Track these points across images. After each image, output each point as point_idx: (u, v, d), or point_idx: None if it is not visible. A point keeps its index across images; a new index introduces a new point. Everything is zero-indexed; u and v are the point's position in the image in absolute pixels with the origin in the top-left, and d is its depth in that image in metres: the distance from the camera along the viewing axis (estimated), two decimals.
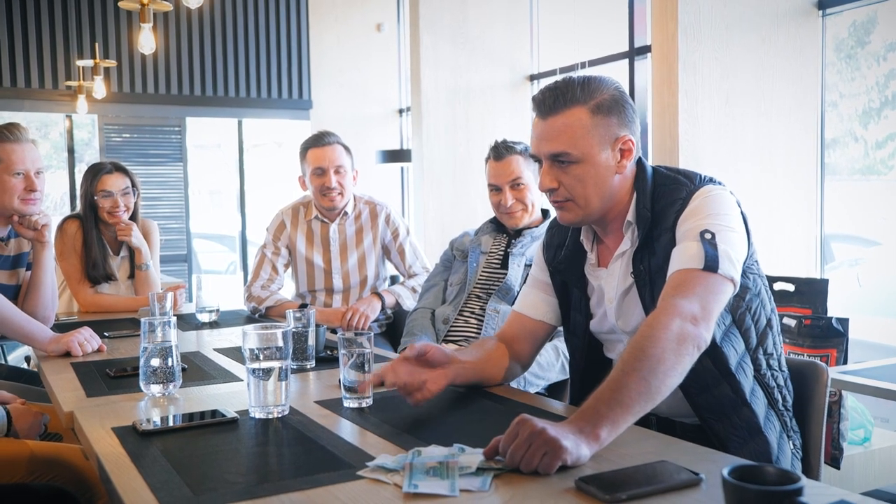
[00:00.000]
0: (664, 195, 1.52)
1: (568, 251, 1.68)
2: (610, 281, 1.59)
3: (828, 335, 2.63)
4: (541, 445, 1.12)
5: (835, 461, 2.57)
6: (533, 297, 1.76)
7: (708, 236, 1.40)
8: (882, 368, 2.43)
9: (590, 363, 1.68)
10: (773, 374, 1.54)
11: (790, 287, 2.88)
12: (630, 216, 1.54)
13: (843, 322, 2.66)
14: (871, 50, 4.08)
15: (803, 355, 2.65)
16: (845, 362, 2.63)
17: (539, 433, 1.13)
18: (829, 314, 2.77)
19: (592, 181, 1.50)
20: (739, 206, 1.52)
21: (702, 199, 1.47)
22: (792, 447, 1.55)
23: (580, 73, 1.55)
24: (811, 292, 2.81)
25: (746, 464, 0.89)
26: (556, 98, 1.49)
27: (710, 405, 1.48)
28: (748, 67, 3.73)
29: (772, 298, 1.57)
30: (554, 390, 2.36)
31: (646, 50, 4.38)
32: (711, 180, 1.53)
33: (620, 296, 1.57)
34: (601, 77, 1.53)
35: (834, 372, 2.34)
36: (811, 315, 2.75)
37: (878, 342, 3.64)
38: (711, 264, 1.37)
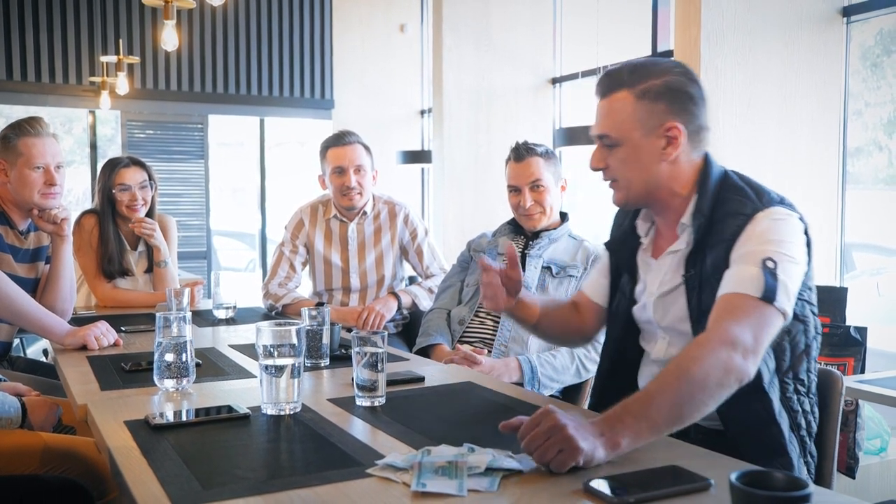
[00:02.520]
0: (727, 203, 1.48)
1: (622, 233, 1.69)
2: (656, 275, 1.59)
3: (845, 344, 2.60)
4: (558, 441, 1.12)
5: (850, 471, 2.54)
6: (594, 279, 1.80)
7: (770, 265, 1.36)
8: None
9: (622, 351, 1.67)
10: (799, 399, 1.51)
11: None
12: (686, 218, 1.52)
13: (861, 331, 2.63)
14: None
15: (820, 364, 2.62)
16: (863, 371, 2.61)
17: (560, 429, 1.13)
18: (847, 323, 2.74)
19: (634, 165, 1.50)
20: (807, 231, 1.47)
21: (768, 222, 1.43)
22: (807, 472, 1.53)
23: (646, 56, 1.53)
24: (830, 301, 2.79)
25: (754, 469, 0.88)
26: (609, 81, 1.51)
27: (739, 419, 1.46)
28: (770, 74, 3.70)
29: (818, 326, 1.52)
30: (568, 393, 2.35)
31: (669, 55, 4.36)
32: (782, 201, 1.49)
33: (664, 292, 1.56)
34: (661, 62, 1.52)
35: (851, 381, 2.32)
36: (829, 324, 2.72)
37: None
38: (769, 295, 1.34)
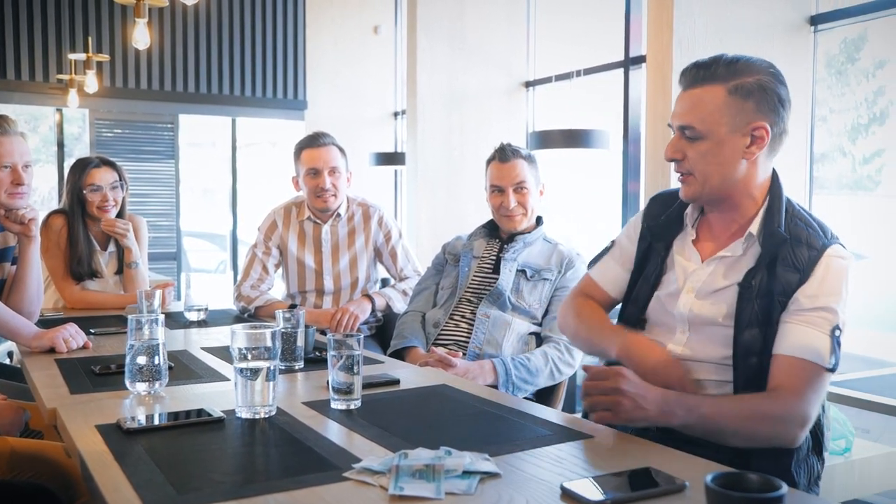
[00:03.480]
0: (798, 231, 1.50)
1: (668, 219, 1.68)
2: (701, 273, 1.58)
3: None
4: (609, 402, 1.33)
5: None
6: (611, 269, 1.78)
7: (837, 333, 1.43)
8: (864, 380, 2.46)
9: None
10: (823, 422, 1.56)
11: None
12: (754, 228, 1.52)
13: None
14: (860, 66, 4.12)
15: None
16: None
17: (620, 392, 1.33)
18: None
19: (714, 160, 1.49)
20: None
21: (835, 272, 1.47)
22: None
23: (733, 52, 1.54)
24: None
25: (729, 471, 0.89)
26: (699, 72, 1.50)
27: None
28: None
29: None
30: (541, 395, 2.36)
31: (641, 60, 4.40)
32: (838, 240, 1.53)
33: (709, 291, 1.56)
34: (754, 60, 1.51)
35: None
36: None
37: (862, 354, 3.66)
38: (835, 366, 1.43)
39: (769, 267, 1.49)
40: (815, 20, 3.83)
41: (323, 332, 2.57)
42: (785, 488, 0.85)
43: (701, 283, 1.57)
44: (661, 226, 1.69)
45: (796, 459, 1.49)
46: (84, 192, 3.03)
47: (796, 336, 1.43)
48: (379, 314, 3.02)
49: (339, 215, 3.03)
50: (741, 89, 1.47)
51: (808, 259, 1.47)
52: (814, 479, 1.54)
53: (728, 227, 1.58)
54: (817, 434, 1.54)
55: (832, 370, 1.43)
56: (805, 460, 1.51)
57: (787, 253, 1.48)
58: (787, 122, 1.53)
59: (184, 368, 1.95)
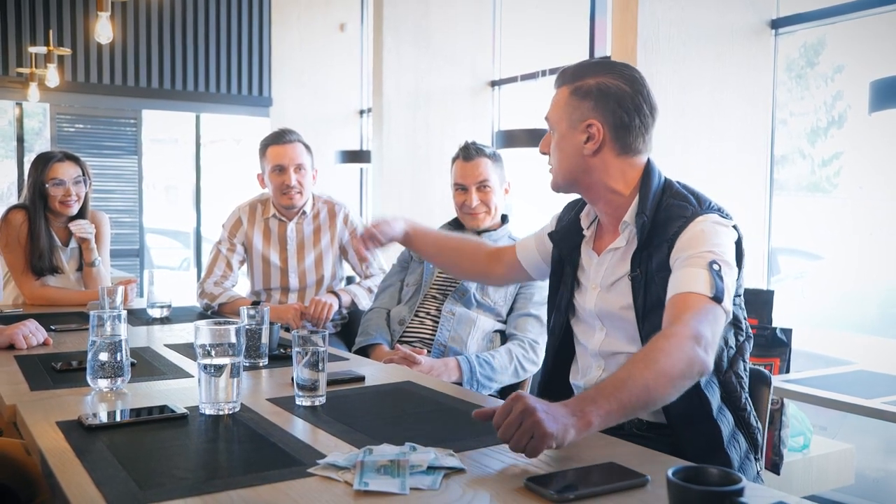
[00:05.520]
0: (670, 208, 1.55)
1: (566, 225, 1.76)
2: (598, 269, 1.66)
3: (772, 345, 2.69)
4: (529, 427, 1.13)
5: (775, 467, 2.64)
6: (530, 245, 1.89)
7: (716, 267, 1.44)
8: (822, 378, 2.51)
9: (564, 345, 1.75)
10: (746, 398, 1.58)
11: None
12: (628, 217, 1.59)
13: (787, 332, 2.73)
14: (819, 71, 4.20)
15: (749, 364, 2.70)
16: (788, 371, 2.70)
17: (530, 413, 1.14)
18: (773, 324, 2.84)
19: (559, 153, 1.62)
20: (739, 242, 1.55)
21: (703, 227, 1.50)
22: (757, 470, 1.59)
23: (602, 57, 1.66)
24: (757, 303, 2.88)
25: (690, 465, 0.91)
26: (559, 76, 1.65)
27: (679, 411, 1.50)
28: (703, 82, 3.81)
29: (748, 329, 1.60)
30: (506, 393, 2.38)
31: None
32: (719, 210, 1.56)
33: (607, 285, 1.63)
34: (609, 66, 1.61)
35: (777, 380, 2.41)
36: (757, 325, 2.82)
37: (820, 353, 3.74)
38: (719, 295, 1.41)
39: (645, 250, 1.55)
40: (776, 24, 3.90)
41: (287, 329, 2.56)
42: (744, 482, 0.87)
43: (601, 277, 1.65)
44: (562, 232, 1.77)
45: (726, 439, 1.52)
46: (46, 186, 2.98)
47: (675, 279, 1.46)
48: (344, 311, 3.01)
49: (304, 213, 3.02)
50: (579, 90, 1.58)
51: (677, 228, 1.52)
52: (743, 454, 1.56)
53: (609, 222, 1.66)
54: (741, 411, 1.56)
55: (716, 300, 1.40)
56: (733, 436, 1.55)
57: (660, 232, 1.54)
58: (637, 123, 1.57)
59: (147, 365, 1.93)
